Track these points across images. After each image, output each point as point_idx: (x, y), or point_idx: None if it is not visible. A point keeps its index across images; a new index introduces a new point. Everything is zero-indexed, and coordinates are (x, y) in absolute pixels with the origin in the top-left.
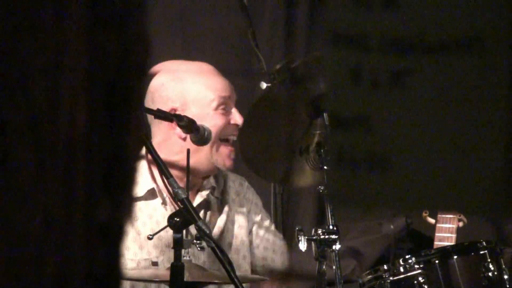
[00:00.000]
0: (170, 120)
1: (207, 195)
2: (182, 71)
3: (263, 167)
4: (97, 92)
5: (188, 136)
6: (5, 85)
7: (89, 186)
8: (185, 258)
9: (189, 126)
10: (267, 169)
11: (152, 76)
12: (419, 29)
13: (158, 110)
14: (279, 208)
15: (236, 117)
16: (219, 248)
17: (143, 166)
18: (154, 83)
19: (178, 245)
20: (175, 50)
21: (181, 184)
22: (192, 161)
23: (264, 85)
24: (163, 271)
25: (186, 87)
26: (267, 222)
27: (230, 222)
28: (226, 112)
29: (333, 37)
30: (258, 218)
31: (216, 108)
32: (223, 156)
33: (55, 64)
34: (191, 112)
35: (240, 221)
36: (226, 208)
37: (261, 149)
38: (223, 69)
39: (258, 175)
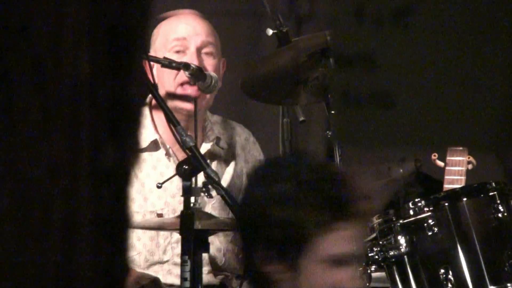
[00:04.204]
0: (178, 69)
1: (212, 145)
2: (166, 19)
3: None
4: (100, 36)
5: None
6: (7, 30)
7: (94, 131)
8: (194, 206)
9: (196, 74)
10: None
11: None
12: None
13: (165, 58)
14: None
15: (189, 60)
16: (228, 195)
17: (146, 117)
18: None
19: (187, 193)
20: None
21: None
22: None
23: (270, 32)
24: (172, 219)
25: (157, 32)
26: None
27: (236, 176)
28: (180, 54)
29: None
30: None
31: (170, 50)
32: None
33: (57, 8)
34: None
35: (245, 176)
36: (232, 162)
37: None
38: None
39: (259, 101)
